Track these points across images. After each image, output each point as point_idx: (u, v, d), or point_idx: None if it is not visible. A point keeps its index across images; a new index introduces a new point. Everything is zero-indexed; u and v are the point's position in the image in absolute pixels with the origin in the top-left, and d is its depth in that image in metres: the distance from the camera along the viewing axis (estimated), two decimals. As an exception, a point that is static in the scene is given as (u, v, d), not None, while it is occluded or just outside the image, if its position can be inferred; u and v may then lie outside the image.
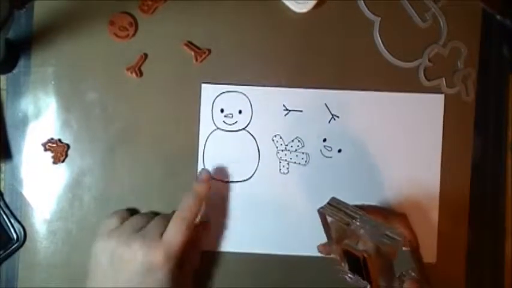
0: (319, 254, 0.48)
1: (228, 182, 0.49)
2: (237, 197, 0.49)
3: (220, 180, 0.49)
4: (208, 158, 0.49)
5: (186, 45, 0.49)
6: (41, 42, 0.49)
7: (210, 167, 0.49)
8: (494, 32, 0.50)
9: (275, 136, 0.50)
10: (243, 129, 0.50)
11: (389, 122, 0.50)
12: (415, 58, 0.50)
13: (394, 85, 0.50)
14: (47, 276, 0.49)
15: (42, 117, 0.49)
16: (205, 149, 0.49)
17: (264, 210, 0.49)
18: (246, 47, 0.50)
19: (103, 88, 0.49)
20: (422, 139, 0.50)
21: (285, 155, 0.50)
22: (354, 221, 0.40)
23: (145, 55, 0.49)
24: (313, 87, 0.50)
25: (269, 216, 0.49)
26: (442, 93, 0.50)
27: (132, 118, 0.49)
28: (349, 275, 0.42)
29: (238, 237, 0.49)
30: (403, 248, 0.38)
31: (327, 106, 0.50)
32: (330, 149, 0.50)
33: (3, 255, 0.48)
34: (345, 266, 0.42)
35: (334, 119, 0.50)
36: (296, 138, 0.50)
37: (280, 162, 0.50)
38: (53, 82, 0.49)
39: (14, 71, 0.49)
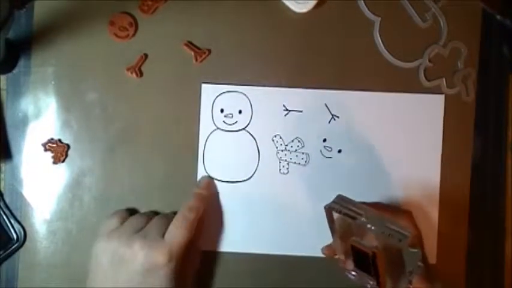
0: (319, 254, 0.48)
1: (228, 182, 0.49)
2: (237, 197, 0.49)
3: (220, 180, 0.49)
4: (208, 158, 0.49)
5: (186, 45, 0.49)
6: (41, 42, 0.49)
7: (210, 167, 0.49)
8: (494, 32, 0.50)
9: (275, 136, 0.50)
10: (243, 129, 0.50)
11: (389, 122, 0.50)
12: (415, 58, 0.50)
13: (394, 85, 0.50)
14: (47, 276, 0.49)
15: (42, 117, 0.49)
16: (205, 149, 0.49)
17: (264, 210, 0.49)
18: (246, 47, 0.50)
19: (103, 88, 0.49)
20: (423, 139, 0.50)
21: (285, 155, 0.50)
22: (360, 216, 0.40)
23: (146, 55, 0.49)
24: (313, 87, 0.50)
25: (269, 217, 0.49)
26: (442, 93, 0.50)
27: (132, 118, 0.49)
28: (353, 272, 0.42)
29: (238, 237, 0.49)
30: (410, 250, 0.38)
31: (327, 106, 0.50)
32: (330, 149, 0.50)
33: (3, 255, 0.48)
34: (350, 264, 0.42)
35: (334, 119, 0.50)
36: (296, 138, 0.50)
37: (280, 162, 0.50)
38: (53, 82, 0.49)
39: (14, 71, 0.49)
